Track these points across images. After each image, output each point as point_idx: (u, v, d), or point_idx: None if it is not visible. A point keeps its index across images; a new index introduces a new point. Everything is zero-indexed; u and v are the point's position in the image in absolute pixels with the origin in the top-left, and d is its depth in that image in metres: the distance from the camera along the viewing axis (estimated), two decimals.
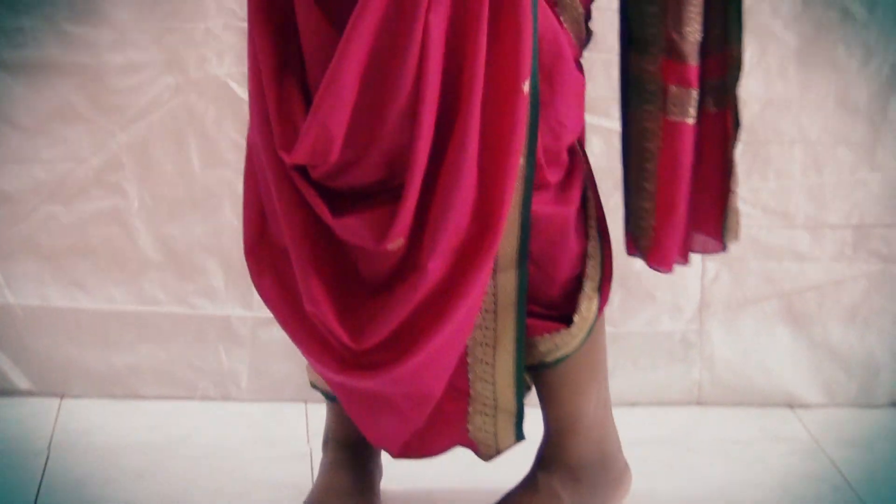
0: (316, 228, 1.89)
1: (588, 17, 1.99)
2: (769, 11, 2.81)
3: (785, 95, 2.84)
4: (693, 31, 2.00)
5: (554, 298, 2.07)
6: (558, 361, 2.07)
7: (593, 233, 2.09)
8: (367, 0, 1.74)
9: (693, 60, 2.00)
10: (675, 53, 2.00)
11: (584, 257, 2.07)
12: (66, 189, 2.82)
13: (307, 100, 1.85)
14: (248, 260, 2.00)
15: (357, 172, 1.85)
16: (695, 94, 2.03)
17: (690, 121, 2.03)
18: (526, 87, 1.82)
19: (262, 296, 2.00)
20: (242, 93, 2.82)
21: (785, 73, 2.83)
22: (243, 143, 2.85)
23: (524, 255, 1.94)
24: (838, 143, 2.83)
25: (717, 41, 2.03)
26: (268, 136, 1.87)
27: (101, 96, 2.83)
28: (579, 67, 2.00)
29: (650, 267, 2.14)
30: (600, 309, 2.11)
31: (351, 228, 1.87)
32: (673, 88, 2.02)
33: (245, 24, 2.82)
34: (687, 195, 2.06)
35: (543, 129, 1.90)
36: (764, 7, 2.81)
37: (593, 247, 2.09)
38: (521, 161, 1.87)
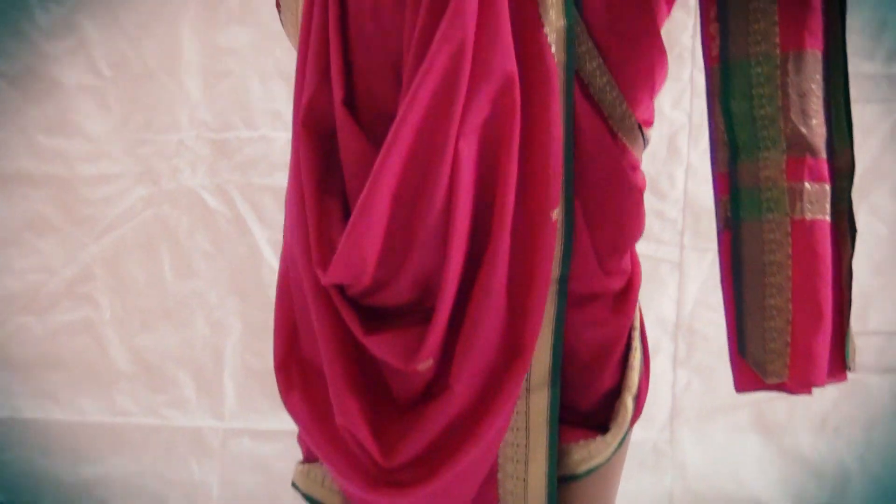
0: (350, 344, 1.89)
1: (643, 122, 1.98)
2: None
3: None
4: (819, 124, 1.91)
5: (591, 407, 2.06)
6: (589, 472, 2.06)
7: (636, 343, 2.07)
8: (400, 125, 1.75)
9: (823, 154, 1.92)
10: (804, 149, 1.91)
11: (625, 368, 2.05)
12: (38, 300, 2.82)
13: (346, 218, 1.87)
14: (277, 375, 1.99)
15: (389, 293, 1.86)
16: (828, 189, 1.92)
17: (828, 218, 1.91)
18: (555, 215, 1.82)
19: (290, 410, 1.99)
20: (214, 203, 2.84)
21: None
22: (215, 254, 2.89)
23: (556, 375, 1.92)
24: None
25: (838, 139, 1.98)
26: (307, 252, 1.88)
27: (74, 207, 2.84)
28: (636, 173, 1.96)
29: (793, 392, 1.97)
30: (634, 419, 2.09)
31: (382, 347, 1.87)
32: (807, 186, 1.91)
33: (217, 136, 2.88)
34: (831, 297, 1.91)
35: (599, 242, 1.90)
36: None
37: (635, 357, 2.07)
38: (553, 287, 1.88)
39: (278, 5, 1.98)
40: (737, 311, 1.98)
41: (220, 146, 2.90)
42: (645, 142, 1.96)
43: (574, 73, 1.79)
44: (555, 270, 1.86)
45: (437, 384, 1.86)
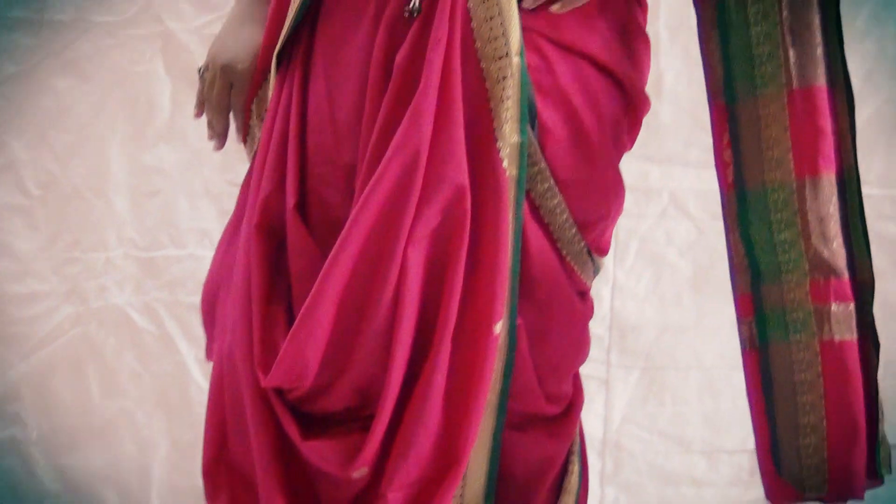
0: (285, 449, 1.87)
1: (595, 250, 1.98)
2: (664, 241, 2.86)
3: (680, 322, 2.87)
4: (839, 245, 1.93)
5: None
6: None
7: (574, 467, 2.05)
8: (349, 231, 1.75)
9: (846, 274, 1.94)
10: (827, 272, 1.93)
11: (559, 492, 2.04)
12: None
13: (291, 321, 1.86)
14: (204, 480, 1.96)
15: (329, 399, 1.85)
16: (853, 308, 1.94)
17: (856, 336, 1.93)
18: (498, 328, 1.81)
19: None
20: (142, 322, 2.84)
21: (680, 301, 2.87)
22: (143, 372, 2.88)
23: (491, 493, 1.91)
24: (733, 369, 2.83)
25: (859, 258, 1.98)
26: (249, 353, 1.87)
27: (1, 327, 2.83)
28: (584, 299, 1.97)
29: (831, 503, 1.97)
30: None
31: (319, 453, 1.85)
32: (833, 307, 1.93)
33: (144, 254, 2.89)
34: (864, 411, 1.93)
35: (540, 363, 1.89)
36: (658, 236, 2.86)
37: (571, 481, 2.06)
38: (492, 401, 1.86)
39: (246, 124, 1.97)
40: (770, 429, 1.99)
41: (147, 264, 2.90)
42: (595, 269, 1.94)
43: (525, 192, 1.78)
44: (494, 385, 1.83)
45: (369, 493, 1.85)
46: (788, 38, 1.89)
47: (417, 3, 1.76)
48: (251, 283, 1.84)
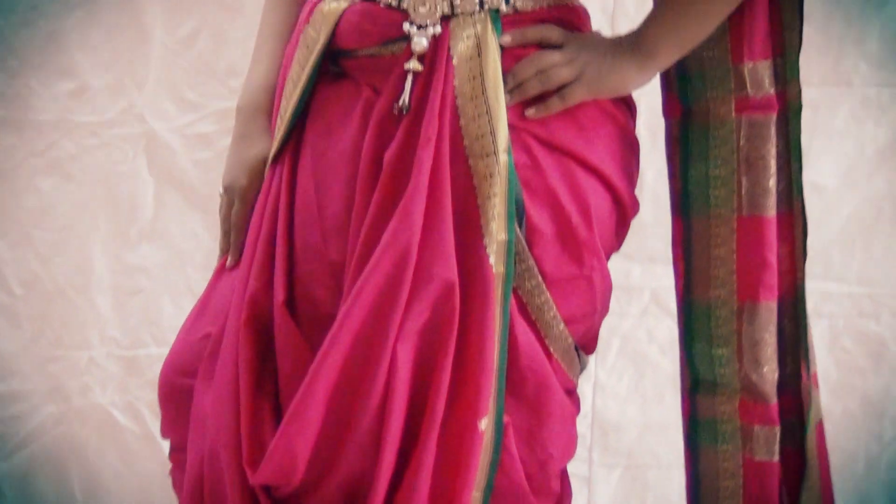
0: None
1: (582, 347, 1.99)
2: (645, 339, 2.87)
3: (662, 421, 2.88)
4: (771, 371, 1.97)
5: None
6: None
7: None
8: (339, 328, 1.75)
9: (773, 399, 1.98)
10: (754, 395, 1.98)
11: None
12: None
13: (279, 418, 1.86)
14: None
15: (317, 496, 1.84)
16: (778, 431, 1.99)
17: (776, 458, 1.99)
18: (483, 424, 1.81)
19: None
20: (125, 421, 2.85)
21: (662, 399, 2.88)
22: (126, 473, 2.88)
23: None
24: None
25: (792, 377, 2.01)
26: (236, 450, 1.86)
27: None
28: (571, 397, 1.96)
29: None
30: None
31: None
32: (756, 429, 1.99)
33: (127, 353, 2.89)
34: None
35: (528, 460, 1.89)
36: (640, 335, 2.87)
37: None
38: (478, 496, 1.86)
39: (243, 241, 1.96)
40: None
41: (130, 363, 2.90)
42: (582, 366, 1.95)
43: (512, 288, 1.79)
44: (480, 480, 1.83)
45: None
46: (743, 167, 1.93)
47: (407, 101, 1.77)
48: (239, 378, 1.84)
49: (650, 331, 2.89)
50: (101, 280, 2.91)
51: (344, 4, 1.83)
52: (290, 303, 1.82)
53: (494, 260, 1.75)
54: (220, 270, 1.94)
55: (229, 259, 1.93)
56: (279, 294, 1.80)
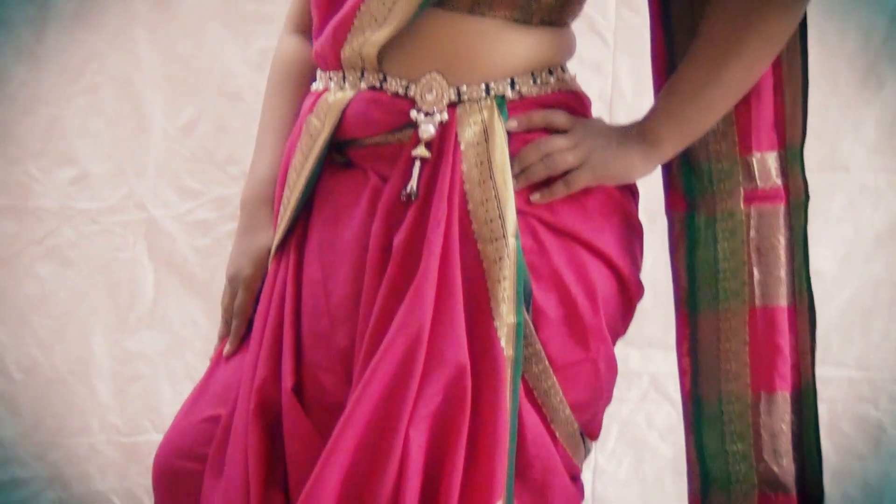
0: None
1: (586, 432, 1.99)
2: (644, 424, 2.87)
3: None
4: (789, 462, 1.95)
5: None
6: None
7: None
8: (350, 415, 1.73)
9: (793, 490, 1.96)
10: (775, 487, 1.96)
11: None
12: None
13: None
14: None
15: None
16: None
17: None
18: None
19: None
20: None
21: (662, 485, 2.88)
22: None
23: None
24: None
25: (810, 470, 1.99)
26: None
27: None
28: (576, 483, 1.94)
29: None
30: None
31: None
32: None
33: (127, 440, 2.89)
34: None
35: None
36: (639, 420, 2.87)
37: None
38: None
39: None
40: None
41: (130, 450, 2.90)
42: (586, 451, 1.94)
43: (521, 373, 1.78)
44: None
45: None
46: (754, 258, 1.92)
47: (415, 187, 1.78)
48: (249, 470, 1.83)
49: (649, 416, 2.90)
50: (101, 366, 2.91)
51: (350, 94, 1.83)
52: (298, 389, 1.81)
53: (505, 343, 1.74)
54: (218, 357, 1.94)
55: (228, 346, 1.93)
56: (287, 381, 1.80)
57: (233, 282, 1.94)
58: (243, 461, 1.82)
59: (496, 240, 1.75)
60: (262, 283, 1.90)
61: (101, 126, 2.89)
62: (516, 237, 1.76)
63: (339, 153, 1.86)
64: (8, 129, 2.87)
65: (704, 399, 1.99)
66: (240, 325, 1.92)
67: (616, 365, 1.90)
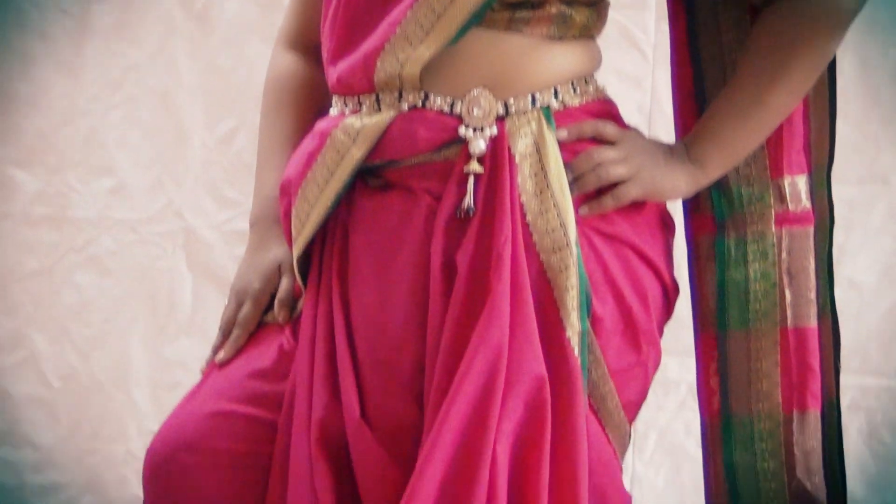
0: None
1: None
2: (682, 432, 2.87)
3: None
4: (820, 479, 1.96)
5: None
6: None
7: None
8: (438, 435, 1.71)
9: None
10: (809, 502, 1.97)
11: None
12: None
13: None
14: None
15: None
16: None
17: None
18: None
19: None
20: None
21: (699, 492, 2.86)
22: None
23: None
24: None
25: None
26: None
27: None
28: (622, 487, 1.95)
29: None
30: None
31: None
32: None
33: None
34: None
35: None
36: (677, 428, 2.87)
37: None
38: None
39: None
40: None
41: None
42: (624, 449, 1.95)
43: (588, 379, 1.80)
44: None
45: None
46: (786, 280, 1.93)
47: (472, 203, 1.78)
48: (319, 500, 1.81)
49: (687, 424, 2.89)
50: (139, 374, 2.93)
51: (388, 115, 1.81)
52: (363, 417, 1.79)
53: (578, 351, 1.75)
54: (212, 367, 1.93)
55: (223, 353, 1.90)
56: (353, 411, 1.78)
57: (239, 295, 1.92)
58: (312, 496, 1.81)
59: (560, 249, 1.76)
60: (270, 298, 1.89)
61: (139, 137, 2.90)
62: (577, 245, 1.76)
63: (372, 176, 1.85)
64: (48, 139, 2.89)
65: (735, 418, 1.99)
66: (240, 336, 1.90)
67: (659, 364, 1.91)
